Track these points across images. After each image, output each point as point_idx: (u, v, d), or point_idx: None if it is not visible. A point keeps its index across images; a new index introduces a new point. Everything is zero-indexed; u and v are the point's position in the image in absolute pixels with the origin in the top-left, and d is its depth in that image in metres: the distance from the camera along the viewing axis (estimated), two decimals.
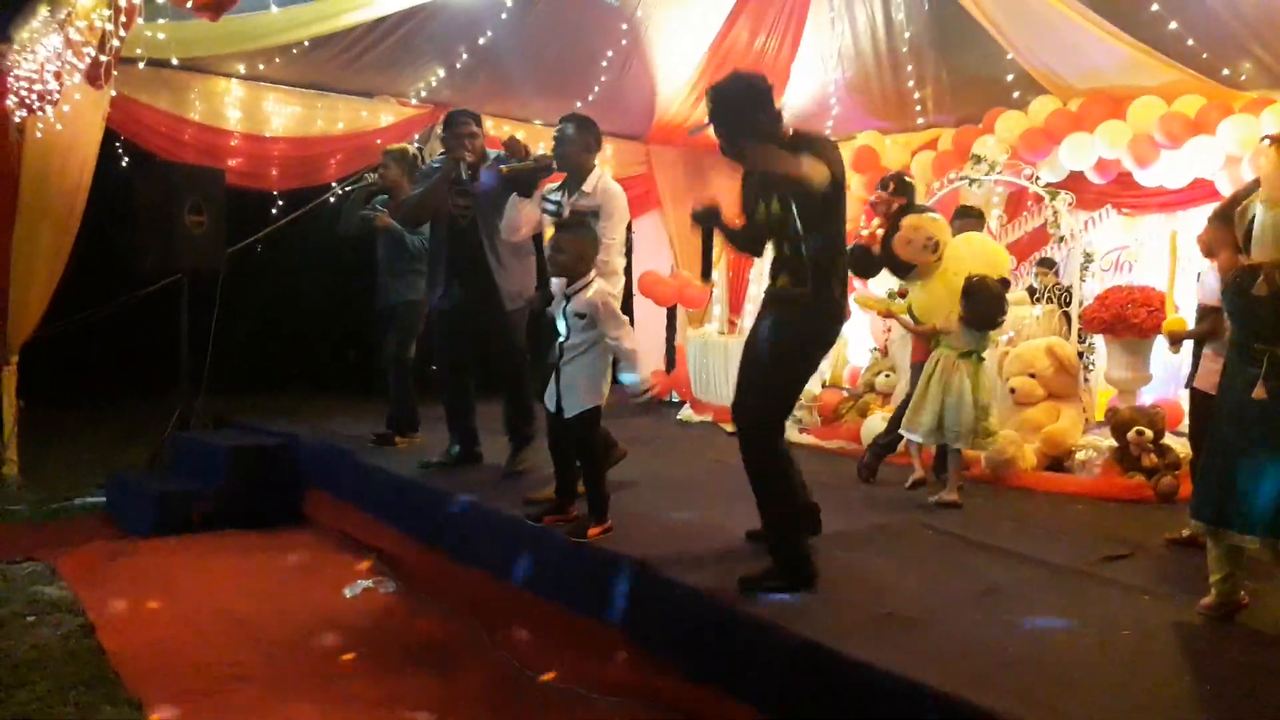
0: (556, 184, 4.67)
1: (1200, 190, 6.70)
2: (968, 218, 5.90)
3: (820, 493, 4.73)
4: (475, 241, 4.96)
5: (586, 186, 4.54)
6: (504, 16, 7.27)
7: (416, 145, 7.94)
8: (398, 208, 5.48)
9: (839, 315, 3.50)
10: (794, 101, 8.98)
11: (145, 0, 5.40)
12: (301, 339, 10.70)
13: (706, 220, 3.56)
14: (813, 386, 7.68)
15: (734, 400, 3.52)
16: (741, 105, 3.40)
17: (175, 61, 6.56)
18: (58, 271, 6.23)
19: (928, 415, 4.69)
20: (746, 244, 3.68)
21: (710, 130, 3.45)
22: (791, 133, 3.47)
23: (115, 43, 5.22)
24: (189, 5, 4.74)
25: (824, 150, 3.31)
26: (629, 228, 6.09)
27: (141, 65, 6.47)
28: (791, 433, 6.88)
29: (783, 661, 2.84)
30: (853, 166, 8.41)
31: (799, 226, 3.31)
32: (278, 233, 8.14)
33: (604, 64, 8.12)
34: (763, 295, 3.59)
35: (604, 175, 4.62)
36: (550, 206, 4.61)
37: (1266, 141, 3.06)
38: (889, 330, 7.38)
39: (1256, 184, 3.18)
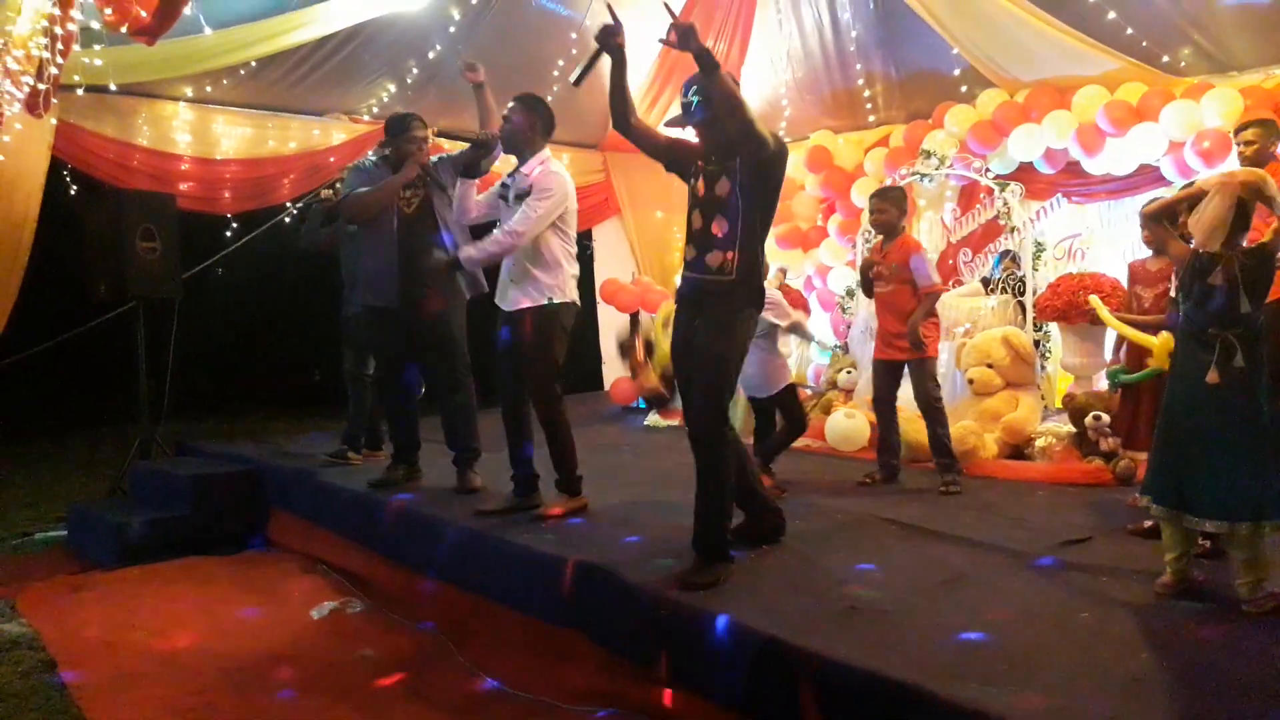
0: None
1: (1146, 176, 6.82)
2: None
3: (785, 490, 4.81)
4: (429, 230, 4.85)
5: (525, 168, 4.33)
6: (452, 30, 7.27)
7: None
8: (341, 203, 5.28)
9: (762, 301, 3.67)
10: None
11: (82, 27, 5.34)
12: (262, 360, 10.63)
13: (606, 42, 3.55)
14: None
15: (684, 404, 3.66)
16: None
17: (114, 87, 6.49)
18: (9, 304, 6.14)
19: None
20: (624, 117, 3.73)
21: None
22: None
23: (53, 70, 5.16)
24: (124, 30, 4.69)
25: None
26: (588, 235, 6.04)
27: (80, 91, 6.40)
28: None
29: (748, 659, 2.85)
30: (807, 166, 8.49)
31: (743, 208, 3.47)
32: (234, 255, 8.08)
33: (555, 73, 8.13)
34: (685, 277, 3.67)
35: (548, 158, 4.36)
36: (499, 190, 4.47)
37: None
38: (849, 326, 7.44)
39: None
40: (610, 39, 3.51)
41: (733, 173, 3.50)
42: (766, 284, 4.00)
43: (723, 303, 3.51)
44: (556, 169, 4.33)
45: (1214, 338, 3.05)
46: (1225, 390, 3.02)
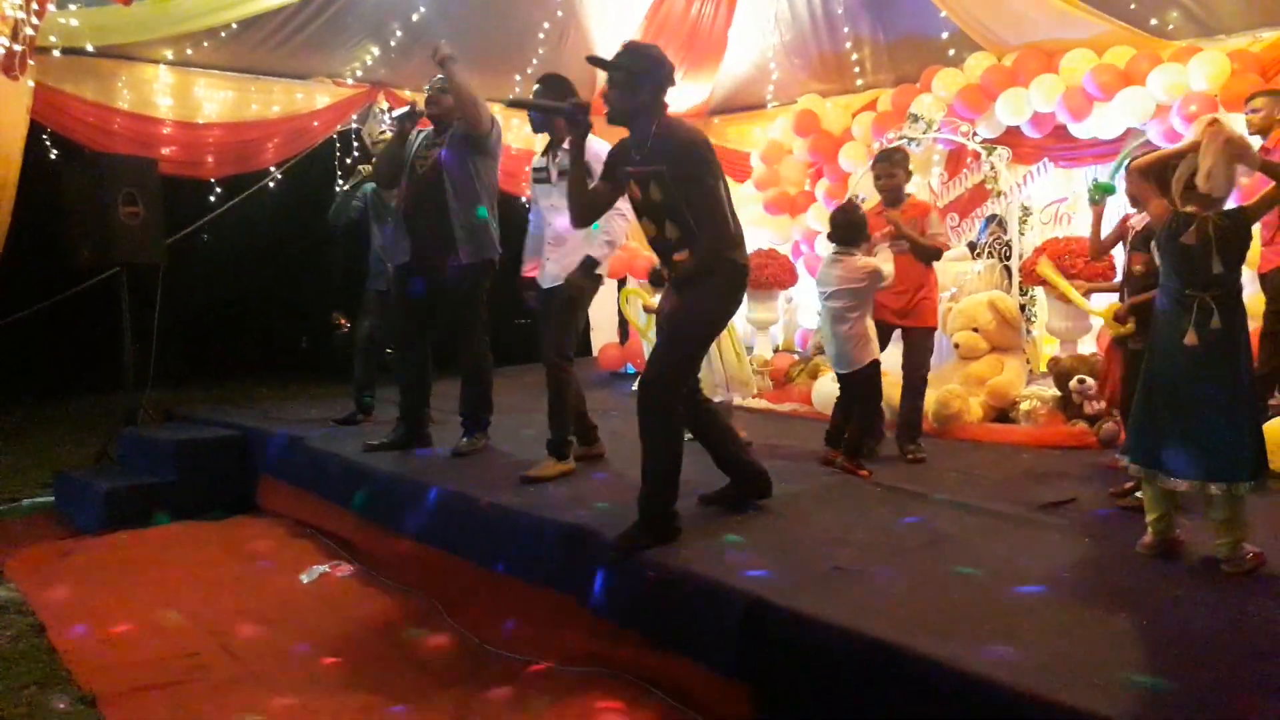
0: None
1: (1133, 140, 6.80)
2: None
3: (772, 454, 4.83)
4: (438, 191, 4.83)
5: (566, 145, 4.18)
6: None
7: (355, 125, 7.87)
8: (374, 171, 5.46)
9: (743, 278, 3.59)
10: (734, 68, 8.99)
11: None
12: (249, 327, 10.58)
13: None
14: (764, 351, 7.76)
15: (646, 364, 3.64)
16: (651, 66, 3.48)
17: (90, 48, 6.42)
18: None
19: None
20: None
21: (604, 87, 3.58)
22: (659, 124, 3.51)
23: (29, 31, 5.07)
24: None
25: (689, 144, 3.41)
26: None
27: (57, 53, 6.32)
28: (745, 397, 6.95)
29: (735, 621, 2.88)
30: (794, 130, 8.45)
31: (686, 207, 3.41)
32: (218, 221, 8.02)
33: (541, 36, 8.05)
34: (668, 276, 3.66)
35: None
36: (532, 170, 4.59)
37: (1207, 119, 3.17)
38: None
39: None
40: (580, 114, 3.62)
41: (660, 177, 3.42)
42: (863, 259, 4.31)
43: (700, 282, 3.46)
44: (593, 143, 4.15)
45: (1191, 299, 3.06)
46: (1204, 352, 3.04)
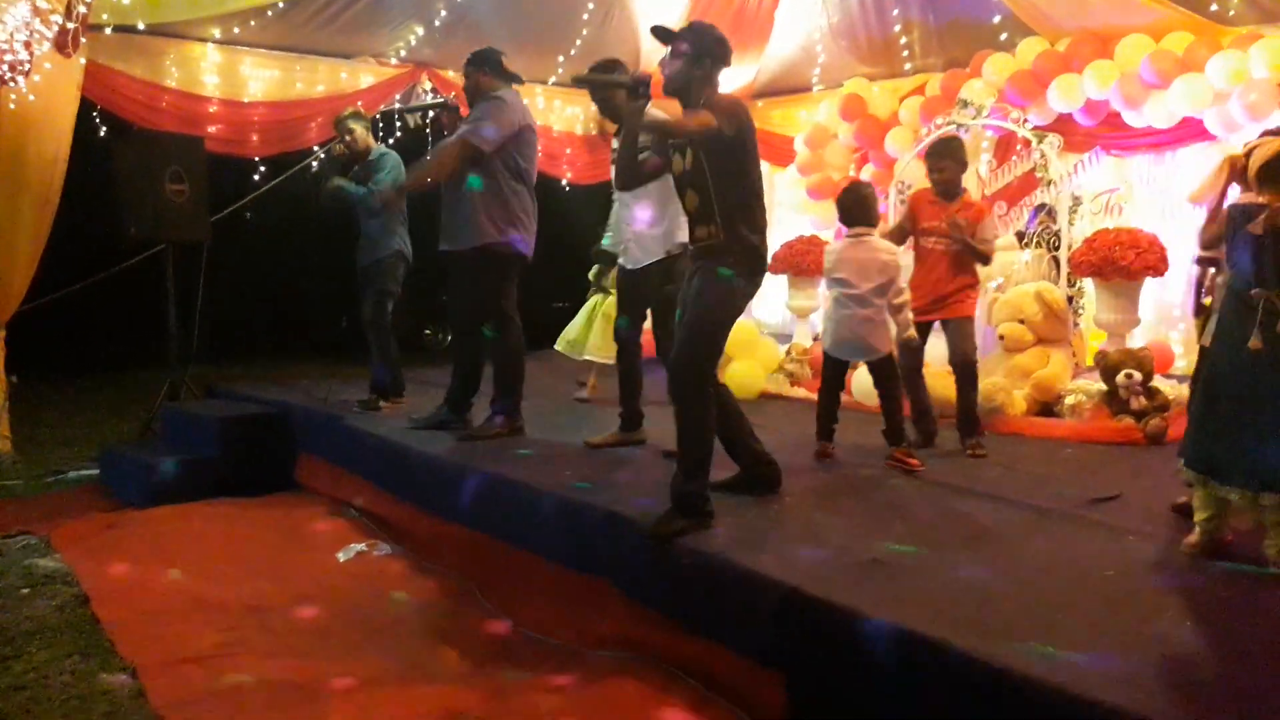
0: None
1: (1189, 129, 6.63)
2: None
3: (811, 444, 4.78)
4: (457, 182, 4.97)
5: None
6: None
7: (397, 106, 7.89)
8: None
9: (760, 263, 3.60)
10: (780, 50, 8.88)
11: None
12: (290, 305, 10.68)
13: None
14: (803, 340, 7.69)
15: (671, 348, 3.64)
16: (714, 45, 3.55)
17: (142, 27, 6.49)
18: (40, 245, 6.17)
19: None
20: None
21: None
22: (707, 98, 3.54)
23: (82, 9, 5.13)
24: None
25: (723, 106, 3.44)
26: None
27: (108, 31, 6.38)
28: (784, 386, 6.90)
29: (771, 610, 2.86)
30: (840, 115, 8.34)
31: (710, 178, 3.46)
32: (262, 198, 8.10)
33: (585, 16, 8.01)
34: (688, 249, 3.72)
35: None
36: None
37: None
38: None
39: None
40: (642, 89, 3.49)
41: (695, 144, 3.49)
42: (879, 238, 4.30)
43: (714, 265, 3.49)
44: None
45: (1257, 299, 2.95)
46: (1268, 357, 2.92)
